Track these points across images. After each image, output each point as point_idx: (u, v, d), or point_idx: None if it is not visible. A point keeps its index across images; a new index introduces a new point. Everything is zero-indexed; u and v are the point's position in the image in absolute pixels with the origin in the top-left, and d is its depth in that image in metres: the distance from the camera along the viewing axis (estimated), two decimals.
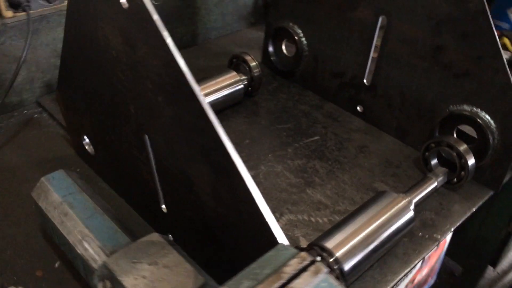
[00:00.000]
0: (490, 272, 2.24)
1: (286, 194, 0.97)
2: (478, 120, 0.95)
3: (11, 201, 0.92)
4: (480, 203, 0.98)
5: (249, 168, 1.02)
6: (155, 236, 0.64)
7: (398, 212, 0.83)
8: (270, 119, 1.17)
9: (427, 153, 1.00)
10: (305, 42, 1.23)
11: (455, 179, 0.97)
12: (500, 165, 0.97)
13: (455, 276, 2.16)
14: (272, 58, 1.33)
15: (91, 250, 0.66)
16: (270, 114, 1.19)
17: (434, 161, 1.00)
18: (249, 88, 1.21)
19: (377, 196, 0.87)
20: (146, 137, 0.70)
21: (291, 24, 1.24)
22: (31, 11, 1.02)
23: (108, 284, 0.59)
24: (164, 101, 0.59)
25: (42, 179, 0.76)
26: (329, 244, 0.76)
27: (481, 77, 0.93)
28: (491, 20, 0.88)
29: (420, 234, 0.90)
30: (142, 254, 0.61)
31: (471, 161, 0.94)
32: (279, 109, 1.21)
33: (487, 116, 0.95)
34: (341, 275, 0.74)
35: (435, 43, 0.97)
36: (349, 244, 0.77)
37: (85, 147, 0.96)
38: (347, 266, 0.75)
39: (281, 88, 1.29)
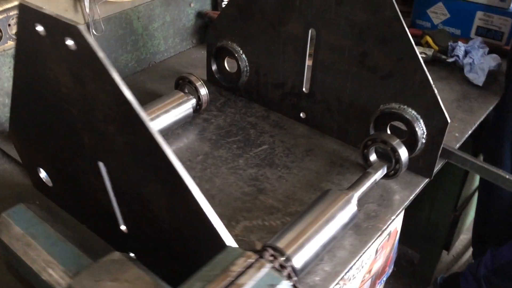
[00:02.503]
0: (446, 256, 2.38)
1: (240, 203, 1.03)
2: (405, 115, 1.04)
3: None
4: (417, 190, 1.07)
5: (205, 181, 1.08)
6: (116, 255, 0.68)
7: (341, 208, 0.91)
8: (220, 134, 1.24)
9: (365, 151, 1.09)
10: (244, 58, 1.31)
11: (392, 171, 1.06)
12: (430, 154, 1.06)
13: (414, 264, 2.28)
14: (216, 76, 1.40)
15: (55, 275, 0.70)
16: (220, 129, 1.26)
17: (372, 157, 1.09)
18: (198, 107, 1.27)
19: (322, 195, 0.95)
20: (101, 164, 0.75)
21: (229, 42, 1.31)
22: None
23: None
24: (116, 130, 0.65)
25: (3, 214, 0.79)
26: (281, 244, 0.83)
27: (403, 76, 1.03)
28: (404, 24, 0.97)
29: (365, 225, 0.98)
30: (104, 272, 0.65)
31: (403, 153, 1.03)
32: (228, 123, 1.28)
33: (413, 111, 1.04)
34: (293, 272, 0.81)
35: (360, 49, 1.07)
36: (299, 242, 0.84)
37: (42, 180, 0.99)
38: (298, 263, 0.82)
39: (228, 103, 1.36)
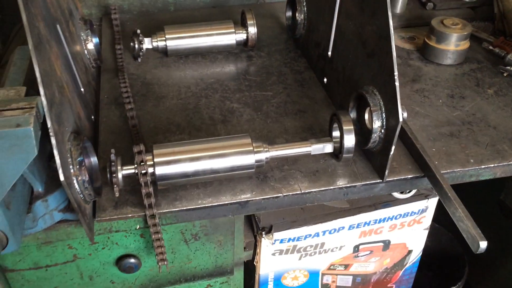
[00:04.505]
0: None
1: (199, 122, 1.13)
2: (369, 100, 0.95)
3: None
4: (358, 184, 0.98)
5: (194, 97, 1.21)
6: None
7: (239, 152, 0.94)
8: (247, 70, 1.32)
9: (331, 125, 1.04)
10: (305, 10, 1.32)
11: (339, 153, 0.99)
12: (383, 154, 0.95)
13: None
14: (286, 22, 1.44)
15: None
16: (251, 67, 1.33)
17: (336, 133, 1.03)
18: (247, 42, 1.36)
19: (239, 135, 0.98)
20: None
21: None
22: None
23: None
24: None
25: None
26: (158, 150, 0.93)
27: (380, 58, 0.93)
28: None
29: (272, 183, 0.98)
30: None
31: (349, 140, 0.95)
32: (264, 66, 1.34)
33: (381, 100, 0.94)
34: (152, 176, 0.91)
35: (360, 20, 0.99)
36: (173, 158, 0.92)
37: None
38: (159, 171, 0.91)
39: (282, 51, 1.40)
